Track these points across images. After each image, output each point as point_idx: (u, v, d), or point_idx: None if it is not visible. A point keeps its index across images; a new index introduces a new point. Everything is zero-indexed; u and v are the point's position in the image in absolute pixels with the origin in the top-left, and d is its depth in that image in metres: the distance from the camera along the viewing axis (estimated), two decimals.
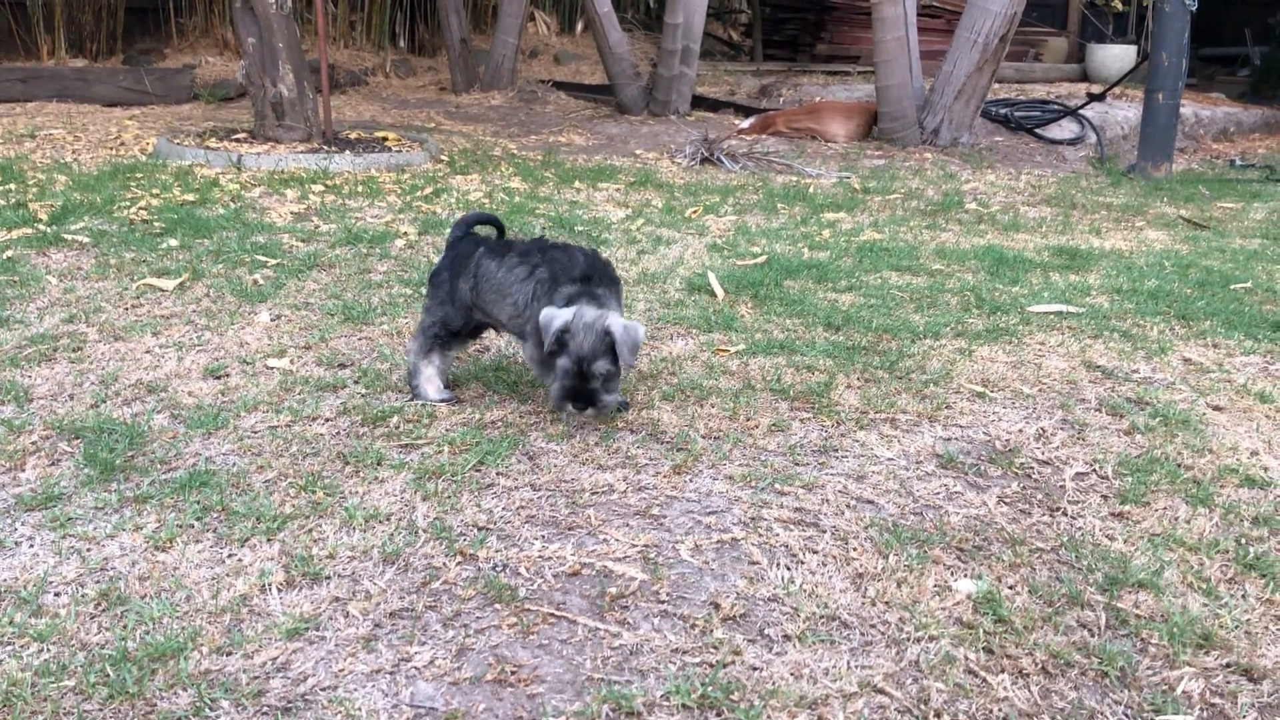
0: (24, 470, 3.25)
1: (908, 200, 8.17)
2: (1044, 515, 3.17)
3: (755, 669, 2.41)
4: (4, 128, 9.89)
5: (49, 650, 2.41)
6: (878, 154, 10.21)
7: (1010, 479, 3.38)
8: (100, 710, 2.23)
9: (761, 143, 10.43)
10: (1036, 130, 11.16)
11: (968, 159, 10.16)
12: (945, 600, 2.70)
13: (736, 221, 7.08)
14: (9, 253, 5.52)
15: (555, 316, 3.38)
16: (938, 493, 3.27)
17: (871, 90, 11.17)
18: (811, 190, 8.37)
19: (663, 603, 2.65)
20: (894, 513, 3.13)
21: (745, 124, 11.16)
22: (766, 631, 2.55)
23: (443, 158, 9.12)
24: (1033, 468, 3.46)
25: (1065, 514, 3.18)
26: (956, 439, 3.64)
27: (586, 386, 3.40)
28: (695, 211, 7.32)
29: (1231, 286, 5.78)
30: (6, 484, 3.16)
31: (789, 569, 2.81)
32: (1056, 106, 11.71)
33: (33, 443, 3.42)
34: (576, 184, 8.19)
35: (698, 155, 9.47)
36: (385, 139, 9.64)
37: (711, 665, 2.42)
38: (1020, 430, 3.73)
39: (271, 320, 4.63)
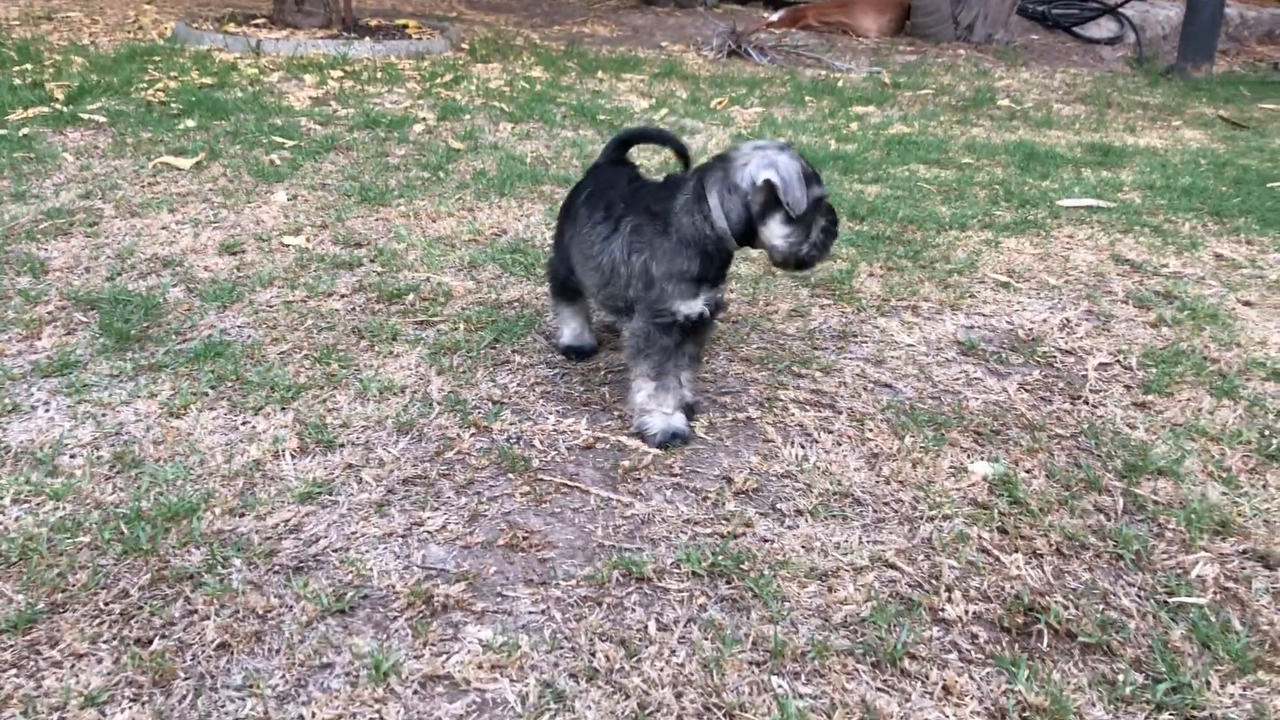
0: (40, 339, 3.24)
1: (939, 96, 7.97)
2: (1065, 403, 3.12)
3: (766, 541, 2.41)
4: (21, 10, 9.76)
5: (64, 508, 2.42)
6: (910, 49, 9.94)
7: (1032, 367, 3.33)
8: (115, 565, 2.24)
9: (790, 36, 10.17)
10: (1074, 29, 10.83)
11: (1002, 56, 9.89)
12: (960, 481, 2.68)
13: (763, 113, 6.93)
14: (25, 130, 5.46)
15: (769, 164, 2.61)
16: (957, 378, 3.23)
17: None
18: (840, 84, 8.17)
19: (675, 476, 2.64)
20: (911, 396, 3.10)
21: (774, 17, 10.88)
22: (779, 506, 2.54)
23: (463, 46, 8.95)
24: (1055, 357, 3.41)
25: (1086, 402, 3.13)
26: (979, 327, 3.59)
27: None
28: (720, 103, 7.17)
29: (1269, 185, 5.63)
30: (23, 351, 3.16)
31: (803, 448, 2.79)
32: (1095, 4, 11.34)
33: (49, 313, 3.42)
34: (600, 74, 8.03)
35: (724, 48, 9.25)
36: (405, 27, 9.46)
37: (723, 536, 2.41)
38: (1044, 320, 3.66)
39: (288, 199, 4.58)
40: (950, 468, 2.73)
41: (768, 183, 2.56)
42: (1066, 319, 3.69)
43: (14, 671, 1.98)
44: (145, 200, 4.49)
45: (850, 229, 4.50)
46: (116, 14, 9.91)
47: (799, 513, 2.51)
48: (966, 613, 2.21)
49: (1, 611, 2.11)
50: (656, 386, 2.72)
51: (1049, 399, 3.14)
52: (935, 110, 7.43)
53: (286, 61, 7.77)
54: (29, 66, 7.09)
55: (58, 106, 5.98)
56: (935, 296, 3.80)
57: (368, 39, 8.63)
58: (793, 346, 3.36)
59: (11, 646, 2.03)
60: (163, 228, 4.20)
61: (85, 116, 5.79)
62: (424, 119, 6.14)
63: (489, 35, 9.61)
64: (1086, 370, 3.33)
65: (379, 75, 7.42)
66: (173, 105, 6.15)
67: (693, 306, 2.67)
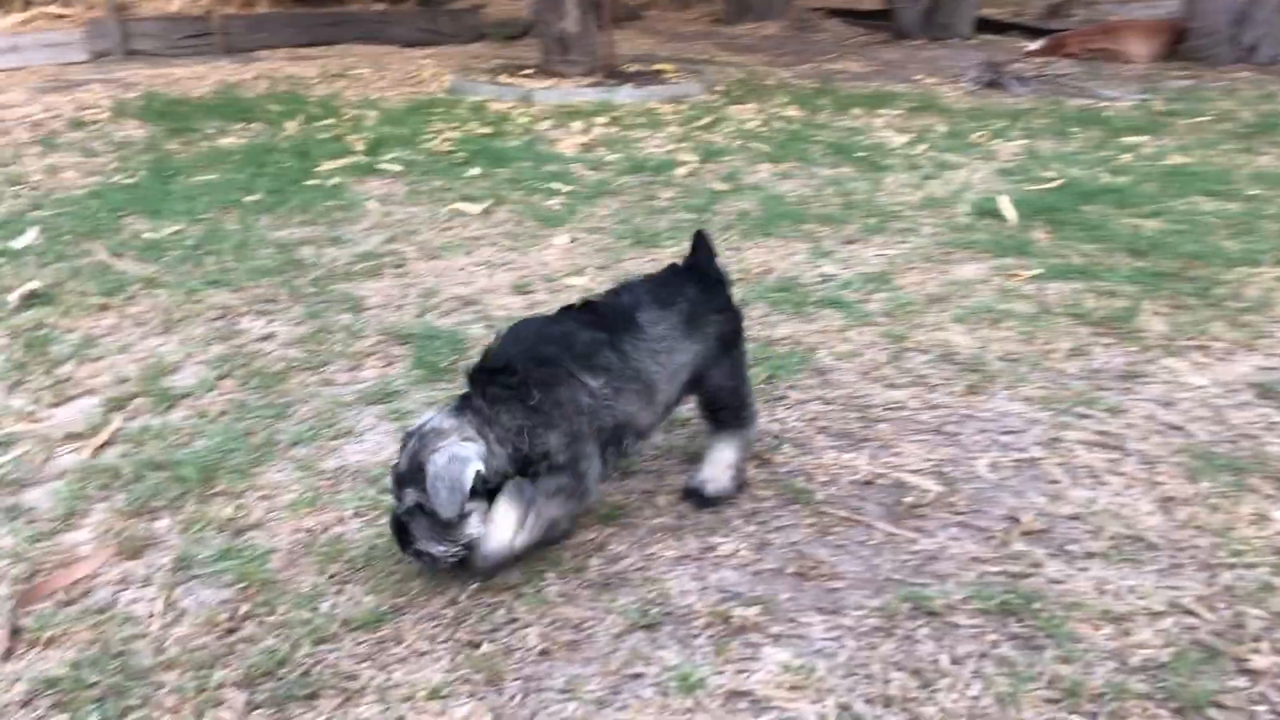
0: (363, 369, 3.63)
1: (1219, 122, 7.56)
2: None
3: (1056, 582, 2.41)
4: (319, 68, 10.78)
5: None
6: (1183, 74, 9.47)
7: None
8: (444, 572, 2.51)
9: (1052, 65, 9.89)
10: None
11: None
12: (1264, 529, 2.58)
13: (1026, 146, 6.79)
14: (334, 180, 6.07)
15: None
16: (1255, 422, 3.10)
17: (1175, 6, 10.32)
18: (1108, 113, 7.89)
19: (960, 514, 2.68)
20: (1206, 440, 3.00)
21: (1034, 46, 10.61)
22: (1068, 548, 2.53)
23: (718, 88, 9.21)
24: None
25: None
26: (1278, 369, 3.42)
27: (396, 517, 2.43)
28: (981, 136, 7.08)
29: None
30: (350, 381, 3.54)
31: (1092, 490, 2.76)
32: None
33: (369, 346, 3.81)
34: (854, 110, 8.09)
35: (982, 79, 9.12)
36: (662, 71, 9.83)
37: (1011, 575, 2.43)
38: None
39: (569, 242, 4.90)
40: (1251, 515, 2.64)
41: None
42: None
43: (368, 664, 2.25)
44: (443, 244, 4.91)
45: (1130, 265, 4.37)
46: (399, 70, 10.78)
47: (1090, 555, 2.50)
48: (1277, 665, 2.15)
49: (355, 610, 2.40)
50: None
51: None
52: (1216, 138, 7.05)
53: (554, 109, 8.25)
54: (331, 121, 7.84)
55: (358, 158, 6.60)
56: (1227, 336, 3.65)
57: (628, 84, 9.03)
58: (1075, 386, 3.32)
59: (365, 641, 2.31)
60: (460, 269, 4.59)
61: (382, 166, 6.37)
62: (686, 162, 6.39)
63: (742, 76, 9.85)
64: None
65: (640, 120, 7.76)
66: (457, 154, 6.67)
67: None
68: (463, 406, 2.41)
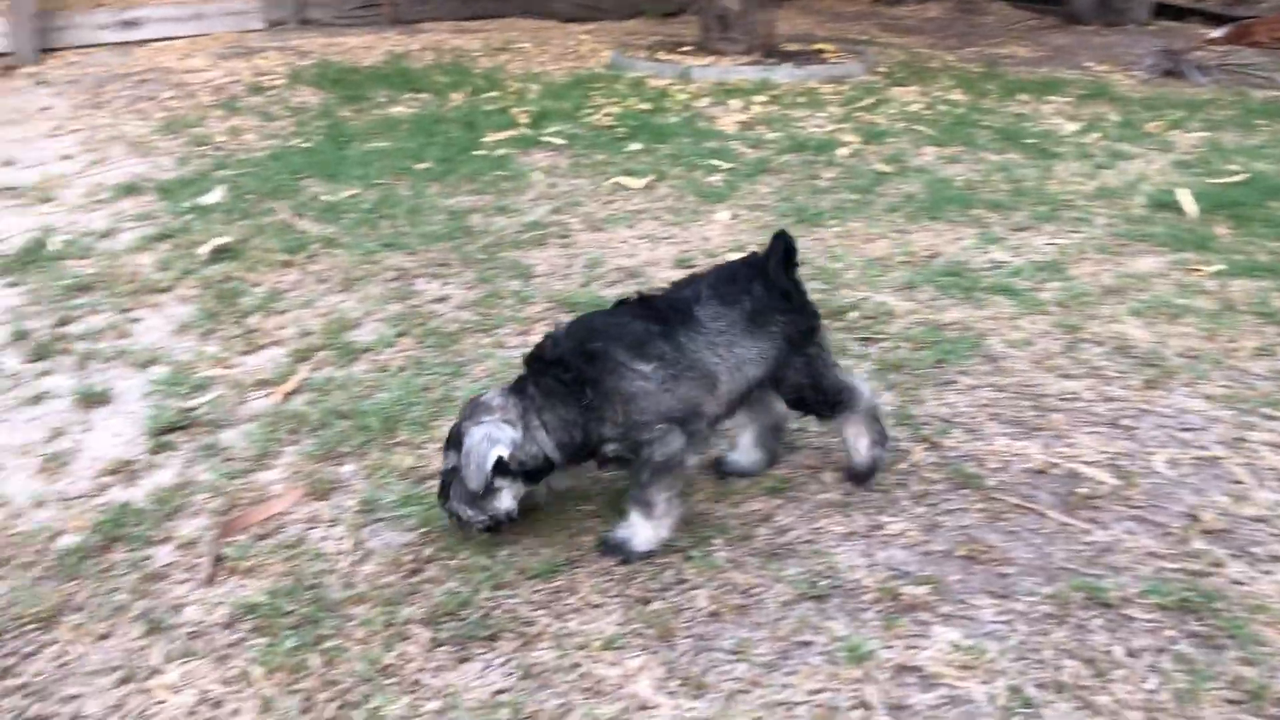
0: (532, 334, 3.73)
1: None
2: None
3: (1239, 583, 2.35)
4: (482, 41, 11.01)
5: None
6: None
7: None
8: None
9: (1236, 54, 9.42)
10: None
11: None
12: None
13: (1207, 138, 6.50)
14: (500, 151, 6.22)
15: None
16: None
17: None
18: None
19: (1136, 509, 2.63)
20: None
21: (1217, 33, 10.11)
22: (1251, 550, 2.46)
23: (880, 69, 9.07)
24: None
25: None
26: None
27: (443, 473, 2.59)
28: (1157, 126, 6.81)
29: None
30: (521, 345, 3.64)
31: (1278, 493, 2.67)
32: None
33: (537, 312, 3.92)
34: (1021, 96, 7.87)
35: (1159, 67, 8.74)
36: (822, 51, 9.72)
37: (1190, 573, 2.38)
38: None
39: (730, 218, 4.93)
40: None
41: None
42: None
43: (544, 611, 2.34)
44: (606, 216, 5.00)
45: None
46: (559, 44, 10.93)
47: (1275, 559, 2.43)
48: None
49: (531, 560, 2.50)
50: None
51: None
52: None
53: (713, 87, 8.26)
54: (495, 93, 8.02)
55: (523, 130, 6.74)
56: None
57: (787, 64, 8.97)
58: (1261, 386, 3.20)
59: (541, 590, 2.41)
60: (623, 241, 4.67)
61: (546, 139, 6.49)
62: (848, 142, 6.33)
63: (904, 58, 9.67)
64: None
65: (800, 99, 7.71)
66: (618, 129, 6.75)
67: None
68: (516, 389, 2.53)
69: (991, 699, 2.05)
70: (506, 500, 2.50)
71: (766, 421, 2.79)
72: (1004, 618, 2.27)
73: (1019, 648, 2.18)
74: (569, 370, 2.47)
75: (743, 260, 2.75)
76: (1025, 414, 3.09)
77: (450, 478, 2.52)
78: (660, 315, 2.53)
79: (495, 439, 2.43)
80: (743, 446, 2.84)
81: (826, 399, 2.68)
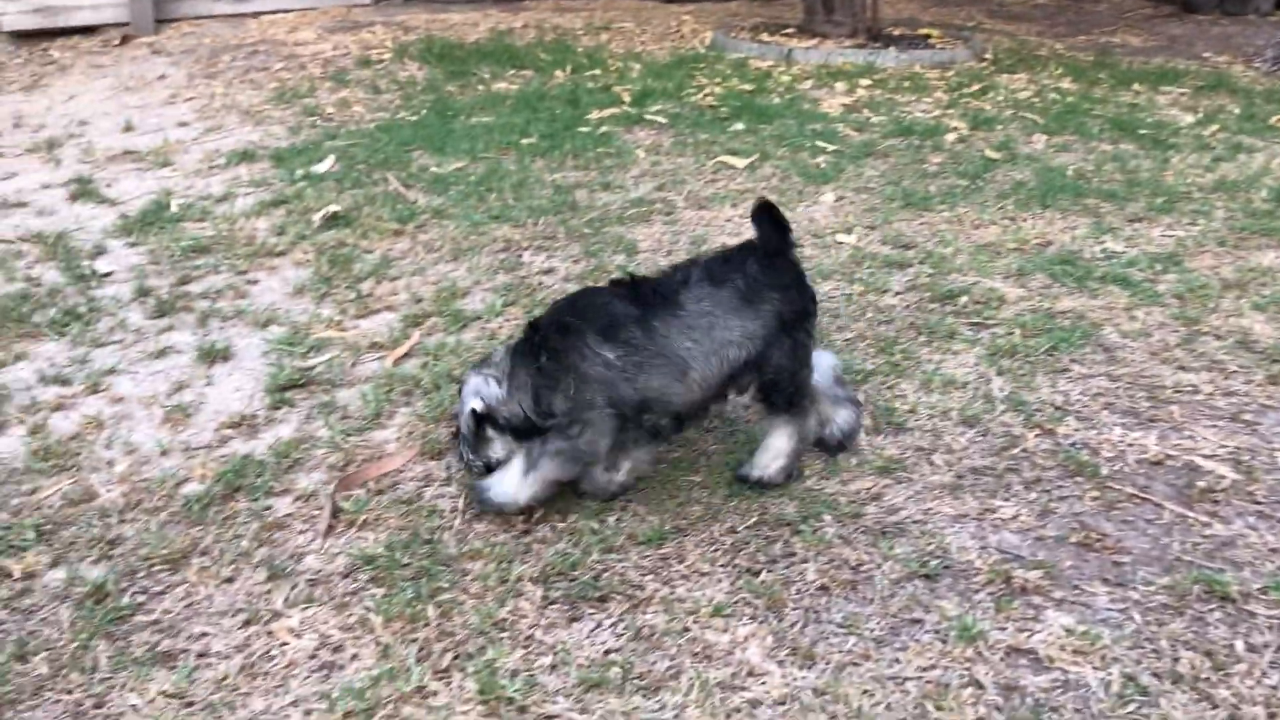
0: None
1: None
2: None
3: None
4: (584, 20, 11.06)
5: (675, 452, 2.84)
6: None
7: None
8: (722, 503, 2.62)
9: None
10: None
11: None
12: None
13: None
14: (604, 128, 6.25)
15: None
16: None
17: None
18: None
19: (1258, 504, 2.57)
20: None
21: None
22: None
23: (987, 56, 8.90)
24: None
25: None
26: None
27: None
28: None
29: None
30: None
31: None
32: None
33: None
34: (1135, 86, 7.66)
35: None
36: (928, 36, 9.58)
37: None
38: None
39: (835, 200, 4.90)
40: None
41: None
42: None
43: (652, 577, 2.38)
44: (710, 194, 5.00)
45: None
46: (660, 24, 10.92)
47: None
48: None
49: (639, 526, 2.53)
50: None
51: None
52: None
53: (816, 69, 8.19)
54: (598, 71, 8.06)
55: (625, 108, 6.77)
56: None
57: (892, 48, 8.85)
58: None
59: (649, 556, 2.44)
60: (727, 220, 4.67)
61: (649, 117, 6.51)
62: (956, 128, 6.24)
63: (1012, 45, 9.48)
64: None
65: (905, 84, 7.61)
66: (721, 109, 6.74)
67: None
68: (516, 349, 2.63)
69: (1106, 685, 2.03)
70: (499, 450, 2.64)
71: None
72: (1119, 605, 2.24)
73: (1134, 636, 2.15)
74: (544, 340, 2.56)
75: (740, 244, 2.74)
76: (1141, 404, 3.03)
77: (458, 422, 2.69)
78: (643, 299, 2.53)
79: (477, 391, 2.59)
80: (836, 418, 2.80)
81: (798, 390, 2.61)
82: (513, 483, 2.55)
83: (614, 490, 2.65)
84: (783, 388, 2.60)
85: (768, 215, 2.67)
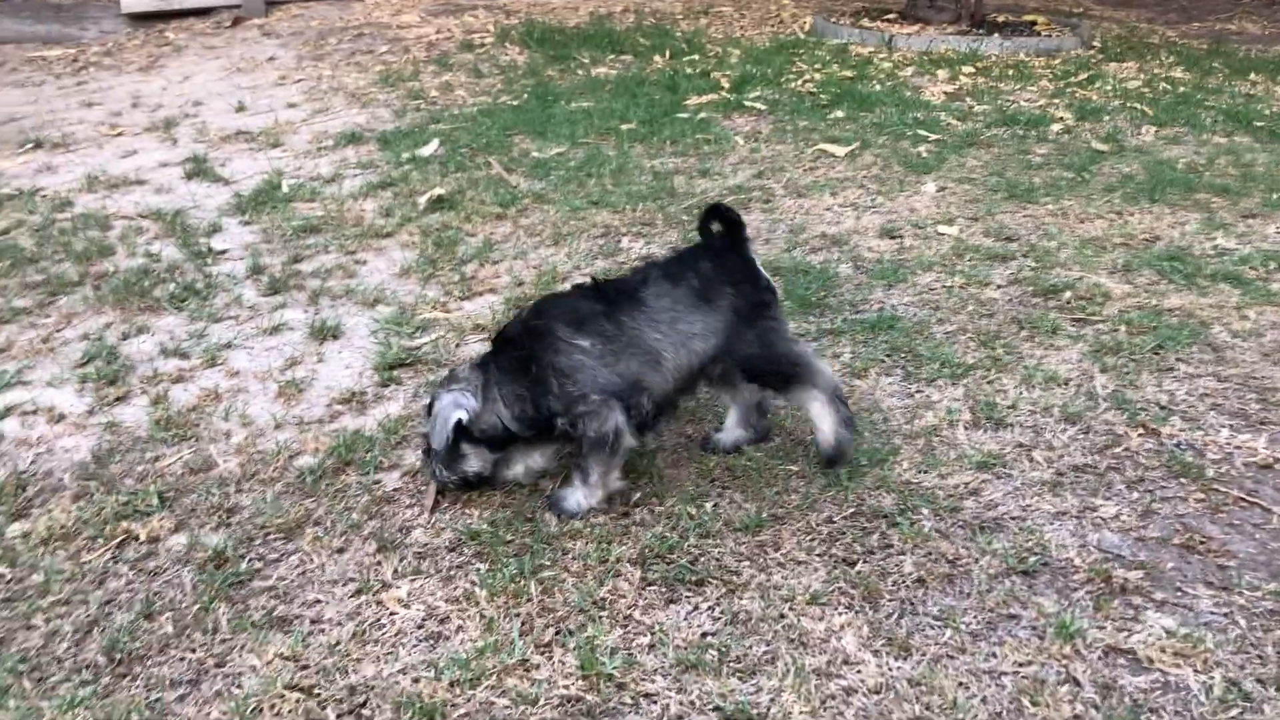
0: None
1: None
2: None
3: None
4: (684, 4, 11.06)
5: (773, 441, 2.87)
6: None
7: None
8: (819, 494, 2.64)
9: None
10: None
11: None
12: None
13: None
14: (702, 114, 6.28)
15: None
16: None
17: None
18: None
19: None
20: None
21: None
22: None
23: (1095, 43, 8.69)
24: None
25: None
26: None
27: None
28: None
29: None
30: None
31: None
32: None
33: None
34: (1253, 76, 7.41)
35: None
36: (1034, 23, 9.38)
37: None
38: None
39: (937, 190, 4.86)
40: None
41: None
42: None
43: (748, 563, 2.41)
44: (809, 183, 5.00)
45: None
46: (761, 9, 10.87)
47: None
48: None
49: (736, 513, 2.57)
50: None
51: None
52: None
53: (918, 56, 8.08)
54: (696, 57, 8.07)
55: (724, 94, 6.77)
56: None
57: (996, 35, 8.69)
58: None
59: (745, 543, 2.48)
60: (826, 209, 4.67)
61: (748, 104, 6.51)
62: (1062, 118, 6.12)
63: (1121, 33, 9.23)
64: None
65: (1010, 72, 7.47)
66: (821, 96, 6.70)
67: None
68: (481, 365, 2.69)
69: (1207, 689, 2.01)
70: (474, 463, 2.68)
71: (748, 400, 2.83)
72: (1223, 610, 2.21)
73: (1238, 641, 2.12)
74: (518, 347, 2.63)
75: (694, 245, 2.83)
76: (1250, 406, 2.96)
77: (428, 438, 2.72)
78: (606, 297, 2.64)
79: (454, 405, 2.61)
80: (727, 426, 2.89)
81: (779, 369, 2.69)
82: (579, 492, 2.62)
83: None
84: (764, 370, 2.71)
85: (718, 214, 2.78)
